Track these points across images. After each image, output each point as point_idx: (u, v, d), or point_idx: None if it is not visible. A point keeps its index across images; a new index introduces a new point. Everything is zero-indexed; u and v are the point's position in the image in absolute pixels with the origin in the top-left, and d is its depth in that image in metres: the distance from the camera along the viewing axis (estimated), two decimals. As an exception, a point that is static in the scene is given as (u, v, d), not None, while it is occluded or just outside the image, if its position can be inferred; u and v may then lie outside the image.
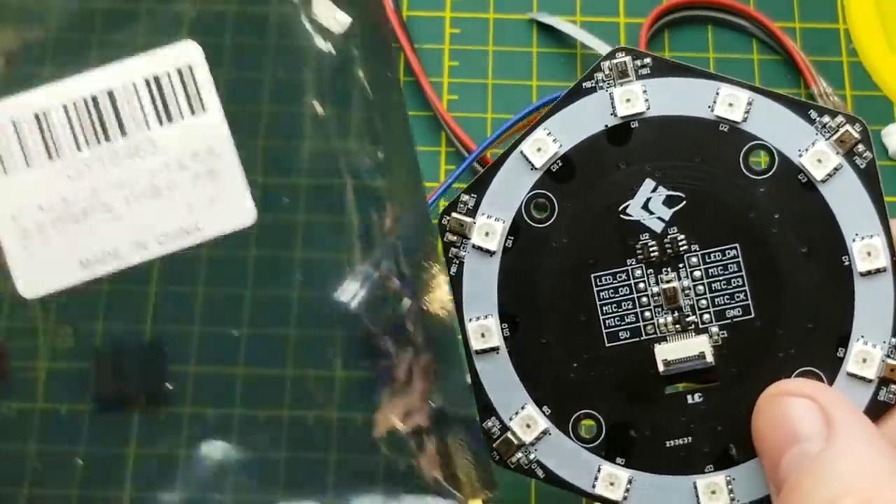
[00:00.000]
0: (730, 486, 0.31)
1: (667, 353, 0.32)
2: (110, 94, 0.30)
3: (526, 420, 0.32)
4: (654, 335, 0.32)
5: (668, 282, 0.32)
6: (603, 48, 0.45)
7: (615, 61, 0.32)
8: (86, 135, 0.30)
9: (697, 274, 0.32)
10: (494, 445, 0.32)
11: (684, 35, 0.49)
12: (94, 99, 0.30)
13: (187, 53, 0.30)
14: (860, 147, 0.31)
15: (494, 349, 0.32)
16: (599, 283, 0.32)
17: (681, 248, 0.32)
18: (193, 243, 0.30)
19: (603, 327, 0.32)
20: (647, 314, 0.32)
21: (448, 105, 0.48)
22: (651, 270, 0.32)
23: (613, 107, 0.32)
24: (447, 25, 0.49)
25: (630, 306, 0.32)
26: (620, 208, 0.32)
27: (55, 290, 0.30)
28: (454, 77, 0.49)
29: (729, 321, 0.32)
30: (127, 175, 0.30)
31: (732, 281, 0.32)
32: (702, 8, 0.49)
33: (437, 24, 0.49)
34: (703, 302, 0.32)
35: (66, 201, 0.30)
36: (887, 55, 0.48)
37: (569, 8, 0.50)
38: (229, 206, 0.30)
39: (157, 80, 0.30)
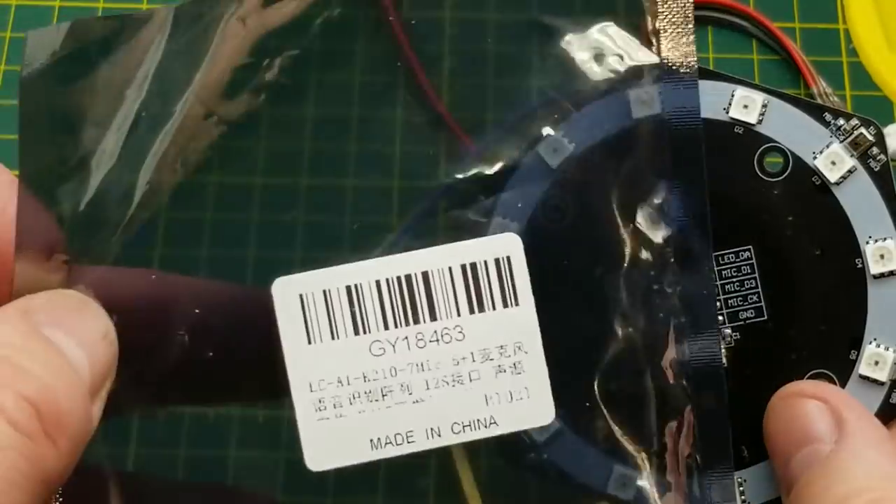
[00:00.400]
0: (741, 488, 0.32)
1: (672, 354, 0.32)
2: (425, 276, 0.30)
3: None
4: (655, 338, 0.32)
5: (670, 284, 0.32)
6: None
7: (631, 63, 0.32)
8: (395, 314, 0.30)
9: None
10: (507, 446, 0.32)
11: (685, 35, 0.49)
12: (409, 279, 0.30)
13: (508, 245, 0.30)
14: (874, 149, 0.31)
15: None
16: (612, 285, 0.32)
17: (690, 251, 0.32)
18: (488, 436, 0.30)
19: (617, 328, 0.32)
20: (661, 315, 0.32)
21: (448, 105, 0.48)
22: (661, 272, 0.32)
23: (629, 109, 0.32)
24: (447, 26, 0.49)
25: (639, 309, 0.32)
26: (634, 209, 0.32)
27: (342, 466, 0.29)
28: (454, 77, 0.48)
29: (742, 323, 0.32)
30: (431, 359, 0.30)
31: (745, 283, 0.32)
32: (702, 8, 0.49)
33: (438, 25, 0.49)
34: (716, 304, 0.32)
35: (367, 378, 0.29)
36: (887, 55, 0.49)
37: (568, 7, 0.49)
38: (529, 404, 0.30)
39: (473, 267, 0.30)
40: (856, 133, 0.31)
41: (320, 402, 0.29)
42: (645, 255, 0.31)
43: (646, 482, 0.31)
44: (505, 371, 0.30)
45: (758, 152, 0.32)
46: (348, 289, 0.30)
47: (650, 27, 0.31)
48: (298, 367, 0.29)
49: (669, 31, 0.31)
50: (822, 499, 0.28)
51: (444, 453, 0.34)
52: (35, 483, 0.24)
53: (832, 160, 0.31)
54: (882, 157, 0.31)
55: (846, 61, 0.49)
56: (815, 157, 0.31)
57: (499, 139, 0.36)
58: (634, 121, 0.32)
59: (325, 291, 0.30)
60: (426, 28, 0.40)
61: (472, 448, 0.33)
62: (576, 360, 0.31)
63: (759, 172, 0.31)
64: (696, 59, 0.31)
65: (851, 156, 0.31)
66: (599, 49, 0.32)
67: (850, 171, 0.31)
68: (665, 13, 0.31)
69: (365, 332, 0.30)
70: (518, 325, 0.30)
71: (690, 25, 0.31)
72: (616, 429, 0.31)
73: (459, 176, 0.33)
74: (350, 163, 0.34)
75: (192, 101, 0.31)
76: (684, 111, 0.30)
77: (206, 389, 0.32)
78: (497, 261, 0.30)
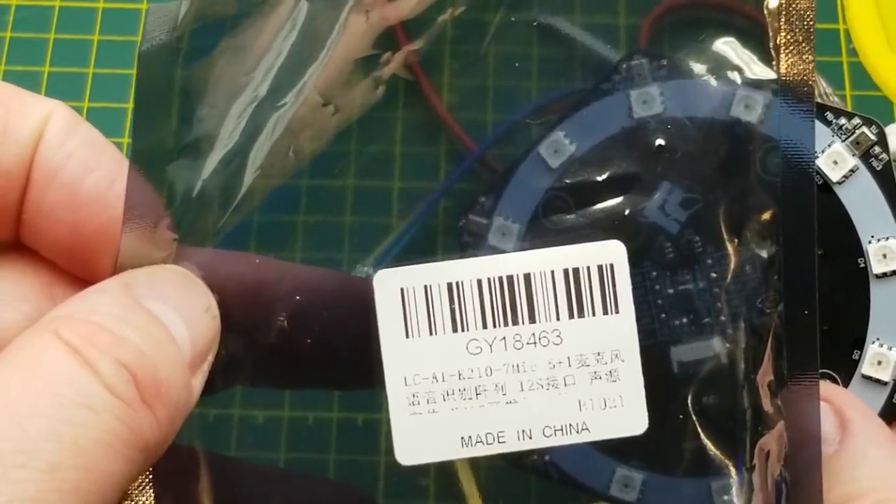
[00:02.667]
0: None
1: (682, 354, 0.32)
2: (527, 278, 0.29)
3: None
4: (670, 337, 0.32)
5: (683, 283, 0.32)
6: (604, 49, 0.45)
7: (632, 63, 0.32)
8: (495, 313, 0.29)
9: (713, 276, 0.32)
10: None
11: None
12: (510, 279, 0.29)
13: (612, 252, 0.30)
14: (876, 149, 0.31)
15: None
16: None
17: (697, 250, 0.32)
18: (578, 441, 0.30)
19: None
20: (663, 316, 0.32)
21: (448, 105, 0.48)
22: (667, 272, 0.32)
23: (630, 108, 0.32)
24: (448, 27, 0.49)
25: (645, 308, 0.32)
26: (637, 210, 0.32)
27: (432, 462, 0.29)
28: (454, 77, 0.48)
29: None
30: (527, 361, 0.29)
31: (748, 283, 0.32)
32: (702, 8, 0.49)
33: (438, 25, 0.49)
34: (719, 304, 0.32)
35: (461, 376, 0.29)
36: (887, 55, 0.49)
37: (568, 8, 0.49)
38: (622, 413, 0.30)
39: (576, 272, 0.29)
40: (857, 132, 0.31)
41: (414, 396, 0.29)
42: (749, 270, 0.31)
43: (734, 498, 0.31)
44: (601, 378, 0.29)
45: (760, 152, 0.31)
46: (449, 285, 0.30)
47: (771, 43, 0.31)
48: (394, 361, 0.29)
49: (791, 48, 0.30)
50: (826, 499, 0.28)
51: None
52: (132, 449, 0.24)
53: (834, 160, 0.31)
54: (884, 156, 0.31)
55: (846, 61, 0.49)
56: (816, 157, 0.31)
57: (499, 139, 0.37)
58: (640, 119, 0.32)
59: (426, 287, 0.29)
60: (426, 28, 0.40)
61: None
62: (670, 372, 0.32)
63: (760, 172, 0.31)
64: (814, 78, 0.30)
65: (853, 155, 0.31)
66: (718, 62, 0.32)
67: (851, 171, 0.31)
68: (787, 29, 0.31)
69: (463, 330, 0.29)
70: (617, 332, 0.30)
71: (811, 44, 0.30)
72: (708, 443, 0.31)
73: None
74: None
75: (309, 89, 0.32)
76: (798, 135, 0.30)
77: (302, 375, 0.32)
78: (600, 267, 0.30)
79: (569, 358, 0.30)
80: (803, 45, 0.30)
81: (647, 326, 0.31)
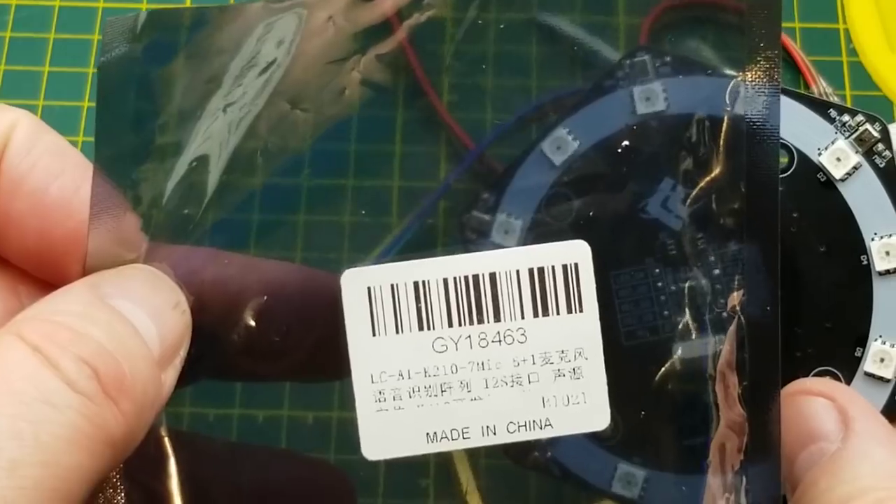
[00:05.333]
0: (746, 486, 0.31)
1: (685, 351, 0.32)
2: (492, 278, 0.30)
3: (544, 419, 0.32)
4: (673, 333, 0.32)
5: (686, 280, 0.32)
6: (604, 48, 0.45)
7: (635, 60, 0.32)
8: (460, 312, 0.30)
9: (716, 272, 0.32)
10: (511, 444, 0.32)
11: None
12: (476, 279, 0.30)
13: (577, 252, 0.30)
14: (879, 146, 0.31)
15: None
16: (618, 282, 0.32)
17: (699, 247, 0.32)
18: (541, 437, 0.30)
19: (621, 326, 0.32)
20: (666, 312, 0.32)
21: (448, 105, 0.48)
22: (669, 269, 0.32)
23: (633, 105, 0.32)
24: (448, 26, 0.49)
25: (648, 305, 0.32)
26: (639, 206, 0.32)
27: (397, 458, 0.30)
28: (453, 77, 0.48)
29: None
30: (492, 359, 0.30)
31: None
32: (701, 7, 0.49)
33: (438, 25, 0.49)
34: (722, 300, 0.32)
35: (427, 373, 0.30)
36: (887, 55, 0.49)
37: (568, 7, 0.50)
38: (585, 409, 0.30)
39: (541, 271, 0.30)
40: (861, 129, 0.31)
41: (380, 393, 0.30)
42: (711, 261, 0.31)
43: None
44: (564, 375, 0.30)
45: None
46: (416, 284, 0.30)
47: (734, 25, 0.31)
48: (361, 358, 0.30)
49: (755, 31, 0.30)
50: (828, 497, 0.28)
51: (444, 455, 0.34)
52: (97, 443, 0.24)
53: (837, 157, 0.31)
54: (887, 153, 0.31)
55: (846, 61, 0.49)
56: (820, 154, 0.31)
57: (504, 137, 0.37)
58: (642, 116, 0.32)
59: (392, 285, 0.30)
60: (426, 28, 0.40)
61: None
62: (632, 368, 0.32)
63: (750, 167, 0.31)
64: (780, 61, 0.31)
65: (857, 152, 0.31)
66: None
67: (855, 168, 0.31)
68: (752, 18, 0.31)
69: (429, 329, 0.30)
70: (581, 331, 0.30)
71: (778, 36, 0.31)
72: (669, 437, 0.31)
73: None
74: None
75: (275, 94, 0.32)
76: (764, 115, 0.30)
77: (269, 372, 0.33)
78: (565, 267, 0.30)
79: (533, 356, 0.30)
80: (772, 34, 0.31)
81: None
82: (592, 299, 0.30)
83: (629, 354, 0.32)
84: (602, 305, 0.31)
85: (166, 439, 0.30)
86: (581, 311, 0.30)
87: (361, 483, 0.33)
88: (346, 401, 0.30)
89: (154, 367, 0.27)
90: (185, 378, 0.29)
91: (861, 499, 0.27)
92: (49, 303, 0.26)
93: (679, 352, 0.31)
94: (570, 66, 0.46)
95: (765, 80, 0.30)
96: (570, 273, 0.30)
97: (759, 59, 0.30)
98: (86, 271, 0.29)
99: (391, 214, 0.35)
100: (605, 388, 0.30)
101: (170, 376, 0.28)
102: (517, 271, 0.30)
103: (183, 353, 0.28)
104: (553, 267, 0.30)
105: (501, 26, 0.47)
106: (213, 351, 0.30)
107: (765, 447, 0.29)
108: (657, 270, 0.32)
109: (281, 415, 0.35)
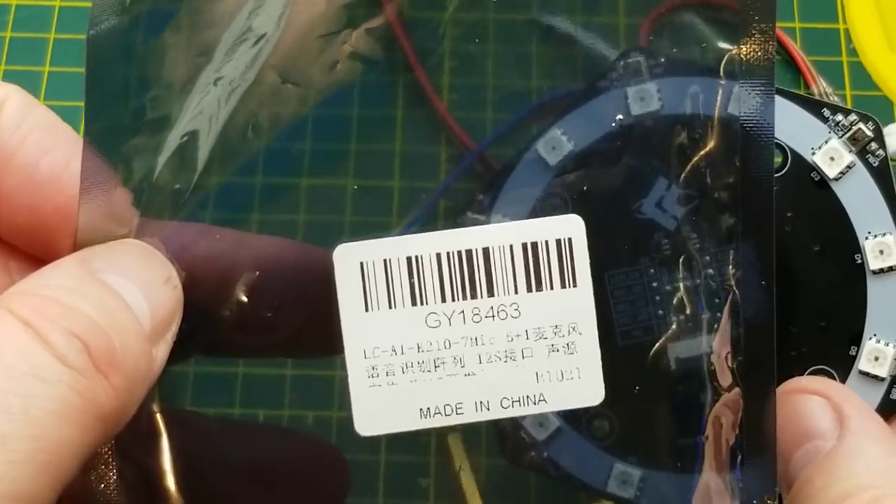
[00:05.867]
0: (741, 484, 0.31)
1: (680, 351, 0.32)
2: (485, 252, 0.30)
3: (539, 418, 0.32)
4: (667, 333, 0.32)
5: (681, 280, 0.32)
6: (603, 48, 0.45)
7: (629, 61, 0.32)
8: (453, 287, 0.30)
9: (711, 272, 0.32)
10: (508, 444, 0.32)
11: (684, 35, 0.49)
12: (469, 253, 0.30)
13: (571, 227, 0.30)
14: (873, 145, 0.31)
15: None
16: (612, 282, 0.32)
17: (694, 246, 0.32)
18: (535, 412, 0.30)
19: (616, 326, 0.32)
20: (661, 312, 0.32)
21: (448, 105, 0.48)
22: (665, 268, 0.32)
23: (627, 105, 0.32)
24: (447, 26, 0.49)
25: (644, 305, 0.32)
26: (634, 207, 0.32)
27: (390, 433, 0.30)
28: (454, 77, 0.49)
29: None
30: (485, 334, 0.30)
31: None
32: (700, 7, 0.49)
33: (438, 25, 0.49)
34: (717, 300, 0.32)
35: (420, 349, 0.30)
36: (887, 55, 0.49)
37: (568, 7, 0.50)
38: (579, 384, 0.30)
39: (534, 246, 0.30)
40: (854, 128, 0.31)
41: (373, 368, 0.29)
42: (706, 260, 0.31)
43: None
44: (558, 350, 0.30)
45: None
46: (409, 259, 0.30)
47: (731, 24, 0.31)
48: (354, 334, 0.30)
49: (752, 43, 0.30)
50: (824, 496, 0.28)
51: (444, 452, 0.34)
52: (87, 417, 0.24)
53: (831, 156, 0.31)
54: (881, 152, 0.31)
55: (846, 61, 0.49)
56: (813, 153, 0.31)
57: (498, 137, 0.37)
58: (637, 116, 0.32)
59: (385, 261, 0.30)
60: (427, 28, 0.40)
61: (473, 446, 0.33)
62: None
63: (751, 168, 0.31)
64: (774, 59, 0.31)
65: (850, 151, 0.31)
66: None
67: (848, 167, 0.31)
68: (748, 12, 0.31)
69: (422, 304, 0.30)
70: (574, 306, 0.30)
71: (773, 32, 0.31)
72: (666, 437, 0.31)
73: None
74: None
75: (266, 68, 0.32)
76: (758, 115, 0.30)
77: (262, 347, 0.33)
78: (558, 241, 0.30)
79: (527, 331, 0.30)
80: (767, 31, 0.30)
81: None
82: (586, 274, 0.30)
83: (625, 354, 0.32)
84: (598, 306, 0.32)
85: (158, 416, 0.30)
86: (575, 285, 0.30)
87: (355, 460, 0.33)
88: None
89: (145, 342, 0.27)
90: (176, 353, 0.29)
91: (856, 497, 0.27)
92: (39, 278, 0.26)
93: (675, 351, 0.31)
94: (569, 67, 0.46)
95: (759, 79, 0.30)
96: (563, 247, 0.30)
97: (753, 57, 0.30)
98: (76, 246, 0.28)
99: (392, 179, 0.35)
100: (599, 363, 0.30)
101: (161, 351, 0.28)
102: (510, 246, 0.30)
103: (174, 328, 0.28)
104: (546, 241, 0.30)
105: (502, 25, 0.47)
106: (204, 326, 0.30)
107: (759, 427, 0.29)
108: (652, 270, 0.32)
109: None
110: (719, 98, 0.31)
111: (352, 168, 0.35)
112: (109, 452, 0.29)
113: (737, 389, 0.30)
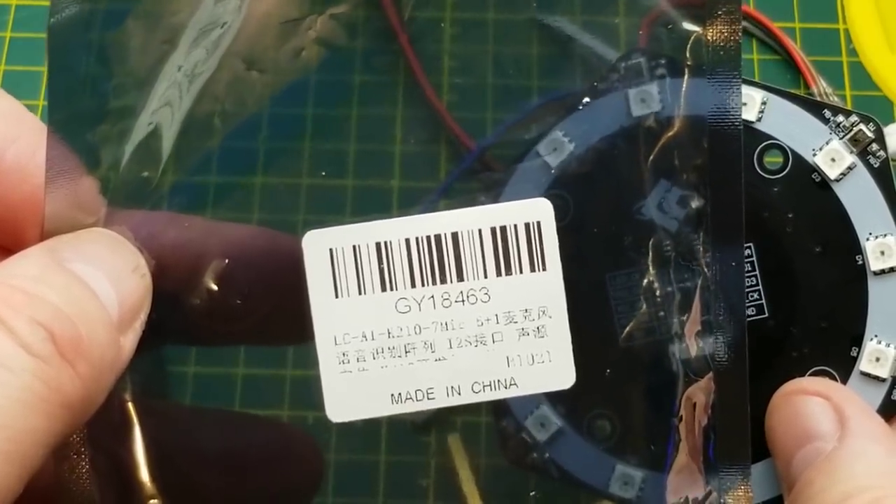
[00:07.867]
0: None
1: (681, 352, 0.32)
2: (454, 237, 0.30)
3: (540, 419, 0.32)
4: (669, 335, 0.32)
5: (682, 281, 0.32)
6: (602, 48, 0.45)
7: (630, 62, 0.32)
8: (423, 272, 0.30)
9: (711, 273, 0.32)
10: (509, 445, 0.32)
11: (684, 35, 0.49)
12: (438, 238, 0.30)
13: (539, 210, 0.30)
14: (874, 146, 0.31)
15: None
16: (614, 283, 0.32)
17: (695, 247, 0.32)
18: (507, 396, 0.30)
19: (618, 327, 0.32)
20: (662, 314, 0.32)
21: (448, 105, 0.48)
22: (665, 270, 0.32)
23: (628, 107, 0.32)
24: (447, 26, 0.49)
25: (645, 306, 0.32)
26: (635, 208, 0.32)
27: (362, 419, 0.30)
28: (454, 77, 0.49)
29: (743, 320, 0.32)
30: (455, 318, 0.30)
31: (746, 280, 0.32)
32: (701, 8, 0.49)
33: (438, 25, 0.49)
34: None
35: (391, 334, 0.30)
36: (887, 55, 0.49)
37: (568, 7, 0.50)
38: (550, 368, 0.30)
39: (503, 230, 0.30)
40: (855, 129, 0.31)
41: (344, 355, 0.29)
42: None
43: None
44: (528, 334, 0.30)
45: (757, 150, 0.32)
46: (378, 245, 0.30)
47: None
48: (324, 320, 0.30)
49: (718, 25, 0.31)
50: (824, 497, 0.28)
51: (444, 452, 0.34)
52: (53, 406, 0.24)
53: (832, 157, 0.31)
54: (882, 153, 0.31)
55: (846, 61, 0.49)
56: (814, 154, 0.31)
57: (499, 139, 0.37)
58: (638, 118, 0.32)
59: (354, 247, 0.30)
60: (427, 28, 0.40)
61: (473, 446, 0.33)
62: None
63: (758, 170, 0.32)
64: (740, 49, 0.31)
65: (851, 152, 0.31)
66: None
67: (849, 168, 0.31)
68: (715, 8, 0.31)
69: (392, 289, 0.30)
70: (544, 289, 0.30)
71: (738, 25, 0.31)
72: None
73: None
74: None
75: (229, 56, 0.32)
76: (723, 108, 0.30)
77: (232, 335, 0.33)
78: (527, 225, 0.30)
79: (497, 315, 0.30)
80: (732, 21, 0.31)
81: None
82: (555, 257, 0.30)
83: (626, 356, 0.32)
84: (598, 307, 0.32)
85: (130, 405, 0.30)
86: (544, 269, 0.30)
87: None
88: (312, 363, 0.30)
89: (112, 331, 0.27)
90: (146, 342, 0.28)
91: (857, 498, 0.27)
92: (5, 267, 0.26)
93: (676, 353, 0.31)
94: (569, 67, 0.46)
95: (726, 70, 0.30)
96: (532, 231, 0.30)
97: (720, 51, 0.30)
98: (44, 236, 0.28)
99: (392, 179, 0.35)
100: (570, 346, 0.30)
101: (129, 340, 0.27)
102: (479, 230, 0.30)
103: (143, 316, 0.28)
104: (515, 226, 0.30)
105: (502, 25, 0.47)
106: (174, 314, 0.30)
107: (731, 407, 0.30)
108: (653, 272, 0.32)
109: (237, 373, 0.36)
110: (718, 98, 0.32)
111: (351, 168, 0.35)
112: (82, 442, 0.29)
113: (710, 373, 0.30)
